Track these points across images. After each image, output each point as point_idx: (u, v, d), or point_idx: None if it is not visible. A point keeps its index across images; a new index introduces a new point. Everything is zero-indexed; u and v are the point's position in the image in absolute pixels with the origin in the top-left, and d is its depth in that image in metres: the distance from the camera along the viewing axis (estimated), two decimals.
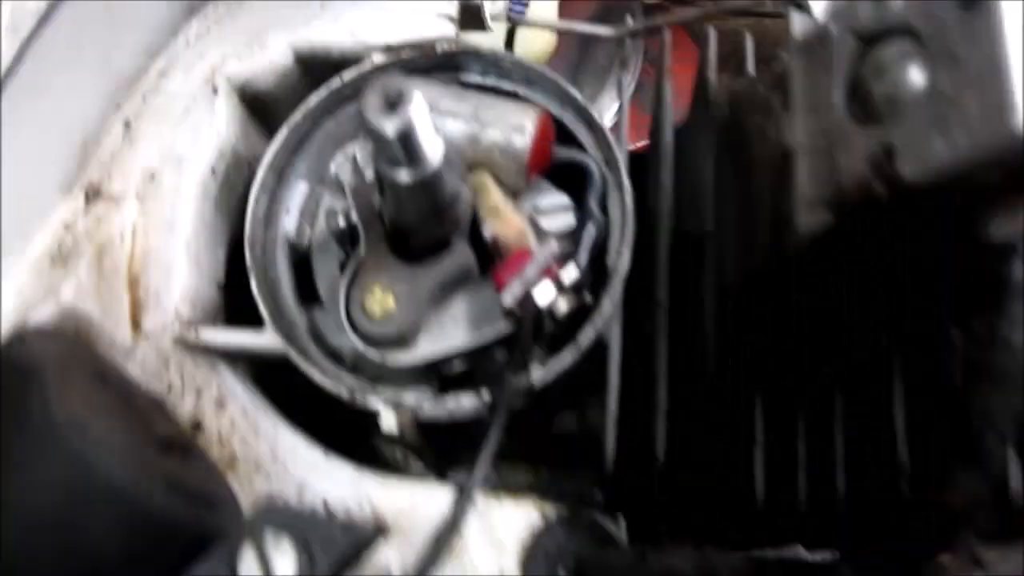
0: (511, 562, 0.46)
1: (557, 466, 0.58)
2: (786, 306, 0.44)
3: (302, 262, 0.54)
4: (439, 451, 0.55)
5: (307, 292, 0.54)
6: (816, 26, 0.41)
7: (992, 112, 0.30)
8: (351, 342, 0.50)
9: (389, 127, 0.39)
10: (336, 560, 0.39)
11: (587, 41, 1.08)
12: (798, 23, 0.42)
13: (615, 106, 1.16)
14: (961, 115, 0.32)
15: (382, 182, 0.44)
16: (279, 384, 0.52)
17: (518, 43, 0.69)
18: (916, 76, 0.34)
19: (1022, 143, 0.29)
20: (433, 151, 0.42)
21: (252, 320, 0.53)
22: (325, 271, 0.53)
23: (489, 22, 0.62)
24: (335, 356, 0.53)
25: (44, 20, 0.47)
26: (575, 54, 1.05)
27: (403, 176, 0.42)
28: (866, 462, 0.47)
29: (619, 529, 0.50)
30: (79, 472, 0.36)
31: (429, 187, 0.44)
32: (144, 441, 0.40)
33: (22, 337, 0.39)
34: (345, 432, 0.52)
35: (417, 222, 0.47)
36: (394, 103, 0.39)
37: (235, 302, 0.55)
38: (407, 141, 0.41)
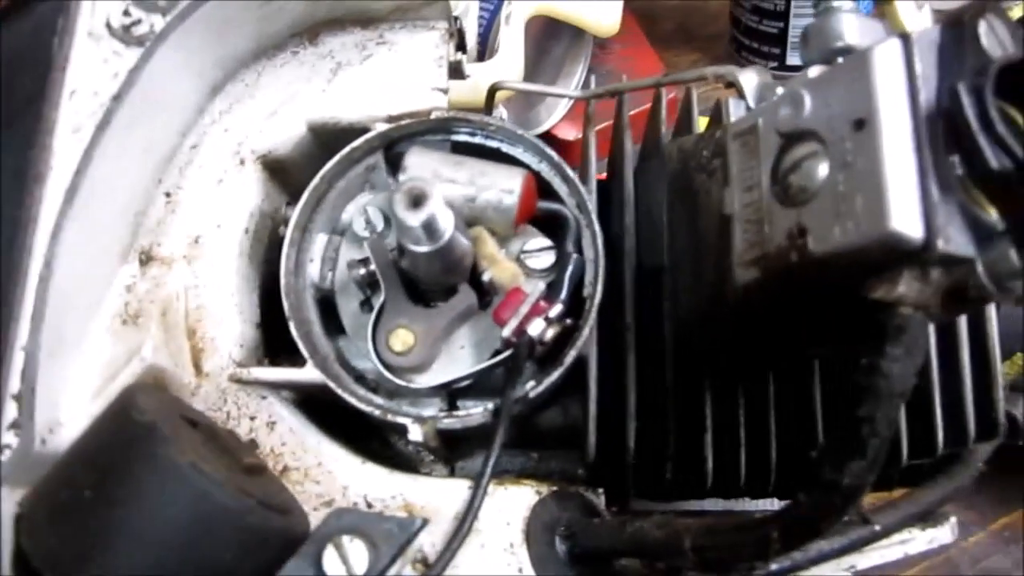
0: (518, 534, 0.58)
1: (544, 452, 0.70)
2: (727, 330, 0.56)
3: (324, 300, 0.64)
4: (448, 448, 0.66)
5: (330, 325, 0.65)
6: (748, 117, 0.53)
7: (873, 212, 0.42)
8: (373, 366, 0.62)
9: (415, 221, 0.50)
10: (396, 550, 0.50)
11: (545, 37, 1.17)
12: (734, 112, 0.54)
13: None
14: (851, 210, 0.44)
15: (403, 249, 0.55)
16: (317, 404, 0.63)
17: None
18: (822, 172, 0.46)
19: (893, 238, 0.42)
20: (446, 227, 0.53)
21: (284, 348, 0.63)
22: (348, 308, 0.63)
23: (466, 71, 0.72)
24: (359, 378, 0.63)
25: (103, 124, 0.55)
26: (532, 52, 1.14)
27: (423, 249, 0.53)
28: (791, 442, 0.61)
29: (599, 501, 0.63)
30: (200, 503, 0.46)
31: (443, 253, 0.54)
32: (236, 470, 0.51)
33: (136, 399, 0.49)
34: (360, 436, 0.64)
35: (432, 276, 0.57)
36: (418, 201, 0.50)
37: (269, 336, 0.65)
38: (428, 227, 0.51)
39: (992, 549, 0.91)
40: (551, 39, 1.24)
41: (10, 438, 0.50)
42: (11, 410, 0.50)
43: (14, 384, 0.51)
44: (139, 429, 0.47)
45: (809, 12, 1.34)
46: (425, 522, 0.52)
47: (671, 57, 1.47)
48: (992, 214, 0.43)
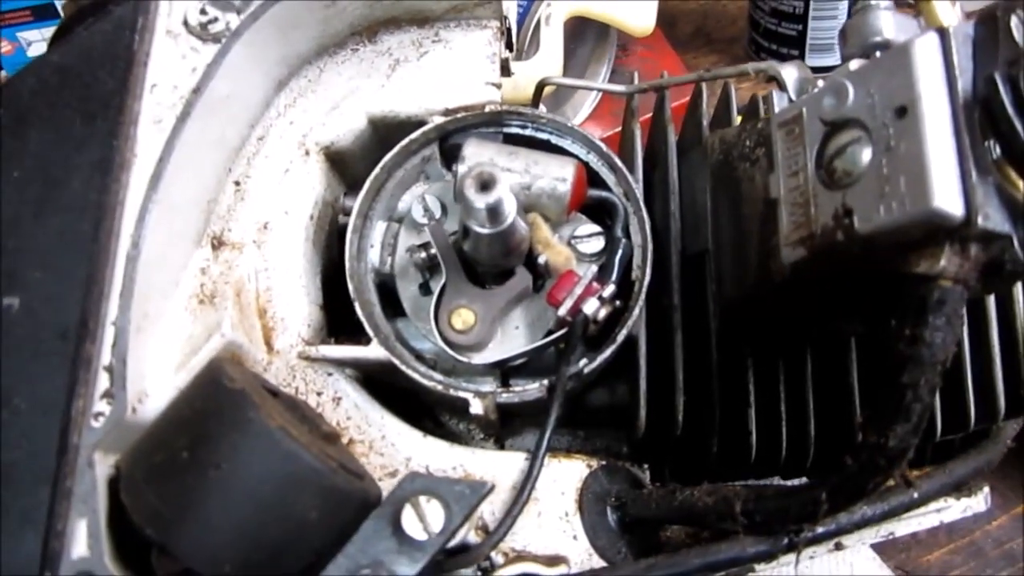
0: (572, 504, 0.61)
1: (590, 430, 0.73)
2: (770, 308, 0.59)
3: (383, 284, 0.68)
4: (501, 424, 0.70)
5: (387, 308, 0.68)
6: (792, 108, 0.56)
7: (917, 192, 0.46)
8: (429, 345, 0.65)
9: (483, 203, 0.54)
10: (468, 510, 0.53)
11: (571, 39, 1.21)
12: (777, 103, 0.57)
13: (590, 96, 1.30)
14: (895, 191, 0.47)
15: (467, 231, 0.58)
16: (374, 385, 0.67)
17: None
18: (866, 156, 0.50)
19: (936, 215, 0.45)
20: (510, 211, 0.56)
21: (344, 329, 0.67)
22: (407, 291, 0.67)
23: (512, 68, 0.76)
24: (417, 357, 0.67)
25: (183, 116, 0.59)
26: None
27: (487, 230, 0.57)
28: (829, 417, 0.64)
29: (644, 475, 0.66)
30: (290, 465, 0.50)
31: (505, 236, 0.58)
32: (317, 436, 0.54)
33: (224, 369, 0.52)
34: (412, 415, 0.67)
35: (492, 259, 0.61)
36: (487, 185, 0.54)
37: (332, 316, 0.69)
38: (494, 210, 0.55)
39: (1015, 532, 0.95)
40: (576, 40, 1.27)
41: (103, 407, 0.54)
42: (104, 381, 0.54)
43: (106, 356, 0.54)
44: (231, 396, 0.50)
45: (827, 15, 1.38)
46: (492, 486, 0.56)
47: (690, 59, 1.50)
48: None
